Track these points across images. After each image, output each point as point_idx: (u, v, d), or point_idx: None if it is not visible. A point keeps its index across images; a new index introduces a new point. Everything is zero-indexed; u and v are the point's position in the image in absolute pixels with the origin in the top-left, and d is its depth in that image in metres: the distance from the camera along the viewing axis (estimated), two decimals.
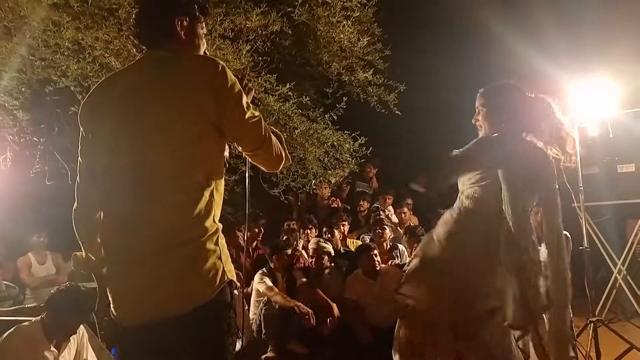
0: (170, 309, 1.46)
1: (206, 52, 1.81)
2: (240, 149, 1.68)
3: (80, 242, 1.69)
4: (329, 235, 5.40)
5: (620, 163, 5.36)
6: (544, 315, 2.29)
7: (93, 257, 1.66)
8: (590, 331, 3.97)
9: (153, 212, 1.50)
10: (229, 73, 1.57)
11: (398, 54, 5.53)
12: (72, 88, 4.24)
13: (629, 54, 5.45)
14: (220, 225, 1.58)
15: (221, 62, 1.59)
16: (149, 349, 1.50)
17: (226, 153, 1.98)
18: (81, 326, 2.96)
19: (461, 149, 2.40)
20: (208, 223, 1.52)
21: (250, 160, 1.74)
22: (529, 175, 2.32)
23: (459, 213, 2.38)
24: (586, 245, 4.37)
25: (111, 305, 1.58)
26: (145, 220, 1.51)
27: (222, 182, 1.63)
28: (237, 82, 1.60)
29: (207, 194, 1.52)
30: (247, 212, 2.20)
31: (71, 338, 2.92)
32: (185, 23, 1.66)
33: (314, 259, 4.86)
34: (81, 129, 1.67)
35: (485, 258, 2.25)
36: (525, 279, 2.17)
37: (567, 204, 4.59)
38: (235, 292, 4.42)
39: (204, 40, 1.75)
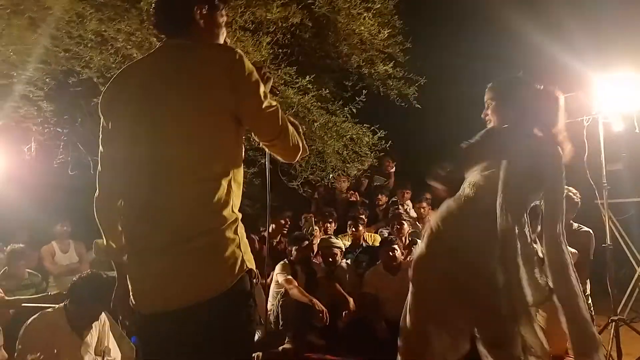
0: (190, 298, 1.47)
1: (226, 41, 1.80)
2: (257, 138, 1.67)
3: (101, 230, 1.71)
4: (354, 229, 5.38)
5: None
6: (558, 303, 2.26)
7: (114, 245, 1.68)
8: (612, 330, 3.90)
9: (172, 202, 1.51)
10: (247, 62, 1.57)
11: (419, 46, 5.48)
12: (94, 79, 4.29)
13: None
14: (240, 215, 1.58)
15: (239, 51, 1.58)
16: (169, 337, 1.52)
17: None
18: (102, 314, 3.01)
19: (470, 140, 2.39)
20: (227, 212, 1.52)
21: (267, 150, 1.74)
22: (533, 171, 2.29)
23: (460, 201, 2.36)
24: (609, 243, 4.29)
25: (130, 293, 1.59)
26: (164, 210, 1.52)
27: (241, 171, 1.63)
28: (255, 71, 1.59)
29: (225, 183, 1.52)
30: (268, 203, 2.22)
31: (93, 325, 2.98)
32: (204, 11, 1.65)
33: (323, 256, 4.80)
34: (102, 118, 1.67)
35: (483, 249, 2.23)
36: (509, 276, 2.15)
37: (590, 201, 4.51)
38: (255, 281, 4.44)
39: (224, 29, 1.75)
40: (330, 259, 4.68)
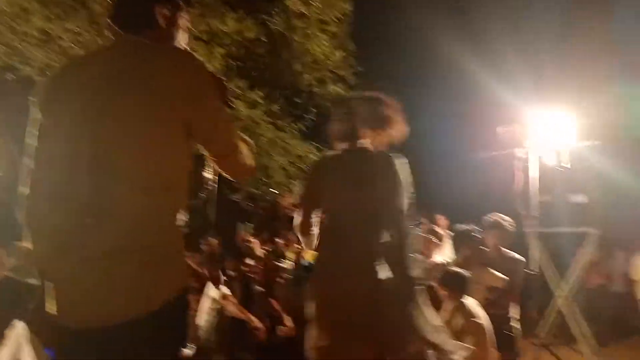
0: (123, 313, 1.41)
1: (186, 48, 1.76)
2: (208, 153, 1.64)
3: (26, 233, 1.60)
4: (297, 246, 5.39)
5: (572, 193, 5.57)
6: None
7: (41, 250, 1.59)
8: (534, 354, 4.09)
9: (115, 211, 1.45)
10: (207, 72, 1.53)
11: (369, 71, 5.64)
12: (34, 77, 4.13)
13: (585, 87, 5.71)
14: (182, 230, 1.55)
15: (200, 59, 1.55)
16: (96, 353, 1.45)
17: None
18: (18, 323, 2.82)
19: None
20: (170, 227, 1.47)
21: (216, 166, 1.69)
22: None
23: None
24: (536, 270, 4.51)
25: (51, 303, 1.51)
26: (106, 218, 1.45)
27: (187, 185, 1.60)
28: (214, 82, 1.56)
29: (170, 196, 1.47)
30: (210, 218, 2.17)
31: (5, 335, 2.79)
32: (167, 11, 1.60)
33: (267, 270, 4.81)
34: (39, 111, 1.53)
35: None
36: None
37: (520, 229, 4.75)
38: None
39: (186, 34, 1.71)
40: (273, 279, 4.71)
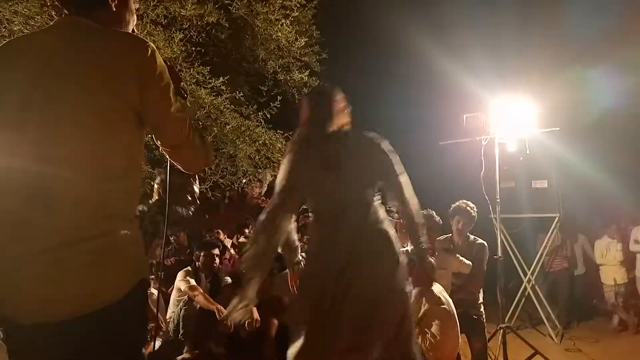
0: (75, 307, 1.33)
1: (135, 30, 1.68)
2: (159, 143, 1.57)
3: None
4: None
5: (534, 179, 5.70)
6: None
7: None
8: (500, 337, 4.17)
9: (59, 202, 1.36)
10: (160, 59, 1.43)
11: (334, 58, 5.59)
12: None
13: (544, 76, 5.84)
14: (135, 220, 1.47)
15: (152, 45, 1.46)
16: (47, 350, 1.36)
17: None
18: None
19: None
20: (123, 216, 1.39)
21: (168, 157, 1.62)
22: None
23: None
24: (500, 255, 4.59)
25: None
26: (54, 209, 1.36)
27: (139, 175, 1.51)
28: (167, 70, 1.48)
29: (122, 184, 1.40)
30: (167, 207, 2.09)
31: None
32: None
33: (235, 260, 4.79)
34: None
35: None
36: None
37: (485, 215, 4.82)
38: (153, 290, 4.20)
39: (135, 18, 1.62)
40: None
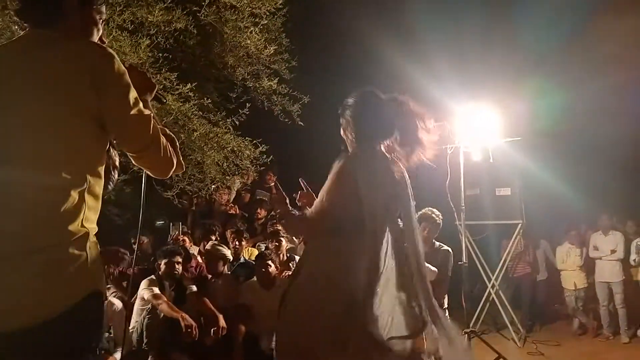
0: (23, 319, 1.30)
1: (103, 39, 1.66)
2: (122, 148, 1.55)
3: None
4: (237, 243, 5.30)
5: (498, 186, 5.85)
6: None
7: None
8: (466, 341, 4.25)
9: (9, 211, 1.34)
10: (117, 62, 1.43)
11: (304, 66, 5.61)
12: None
13: (506, 87, 6.01)
14: (93, 229, 1.44)
15: (110, 50, 1.46)
16: None
17: (116, 157, 1.82)
18: None
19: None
20: (73, 227, 1.37)
21: (134, 162, 1.60)
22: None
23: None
24: (465, 261, 4.69)
25: None
26: (2, 219, 1.34)
27: (101, 182, 1.49)
28: (126, 74, 1.46)
29: (75, 194, 1.37)
30: (141, 216, 2.06)
31: None
32: (75, 3, 1.51)
33: (207, 263, 4.76)
34: None
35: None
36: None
37: (450, 222, 4.92)
38: (115, 300, 4.11)
39: (100, 27, 1.60)
40: (213, 266, 4.65)
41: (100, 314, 1.43)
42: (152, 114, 1.52)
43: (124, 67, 1.46)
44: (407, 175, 2.31)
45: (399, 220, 2.24)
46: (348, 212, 2.12)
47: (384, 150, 2.31)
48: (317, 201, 2.22)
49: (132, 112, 1.45)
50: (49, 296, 1.33)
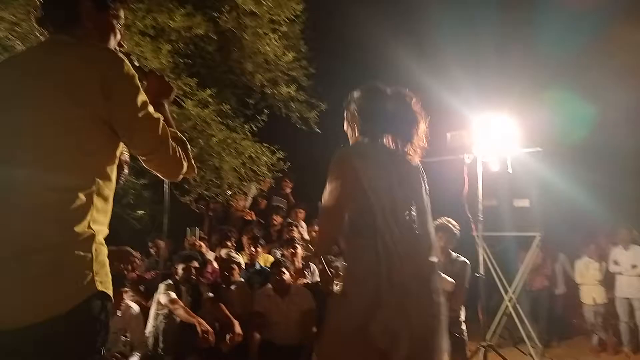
0: (24, 317, 1.31)
1: (123, 45, 1.68)
2: (131, 151, 1.56)
3: None
4: (253, 249, 5.30)
5: (516, 197, 5.77)
6: None
7: None
8: (481, 356, 4.18)
9: (14, 211, 1.36)
10: (126, 66, 1.44)
11: (321, 73, 5.63)
12: None
13: (525, 96, 5.94)
14: (100, 231, 1.43)
15: (120, 55, 1.46)
16: None
17: (126, 156, 1.83)
18: None
19: None
20: (79, 228, 1.37)
21: (144, 165, 1.61)
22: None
23: None
24: (482, 273, 4.62)
25: None
26: (4, 219, 1.37)
27: (110, 185, 1.49)
28: (136, 77, 1.45)
29: (83, 196, 1.38)
30: (165, 220, 2.06)
31: None
32: (91, 9, 1.53)
33: (222, 272, 4.75)
34: None
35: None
36: None
37: (467, 233, 4.86)
38: (132, 304, 4.13)
39: (118, 32, 1.62)
40: (227, 273, 4.60)
41: (105, 315, 1.43)
42: (161, 117, 1.52)
43: (133, 71, 1.47)
44: (422, 170, 2.29)
45: (412, 211, 2.17)
46: (356, 205, 2.09)
47: (390, 144, 2.28)
48: (323, 212, 2.19)
49: (140, 114, 1.46)
50: (52, 295, 1.34)
